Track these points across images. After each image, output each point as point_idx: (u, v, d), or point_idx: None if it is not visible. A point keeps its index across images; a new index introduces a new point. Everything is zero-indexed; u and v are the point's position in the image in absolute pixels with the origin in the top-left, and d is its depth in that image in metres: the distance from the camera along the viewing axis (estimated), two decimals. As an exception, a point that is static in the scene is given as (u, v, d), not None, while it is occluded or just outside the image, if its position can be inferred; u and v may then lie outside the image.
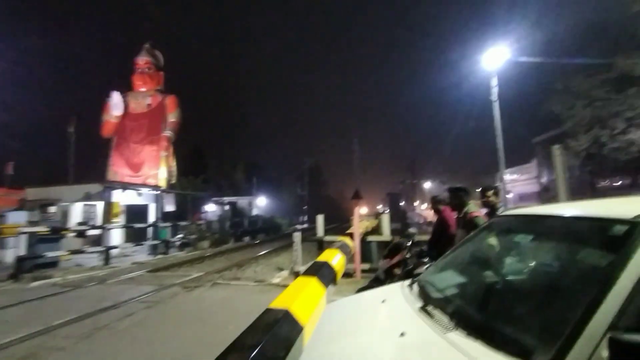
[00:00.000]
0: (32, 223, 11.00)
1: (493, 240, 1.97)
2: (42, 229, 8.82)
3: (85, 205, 15.24)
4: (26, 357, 3.46)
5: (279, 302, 0.93)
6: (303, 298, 1.02)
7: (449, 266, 2.16)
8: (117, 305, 5.32)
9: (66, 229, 10.13)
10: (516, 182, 30.35)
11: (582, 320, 1.01)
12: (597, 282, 1.09)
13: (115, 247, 11.65)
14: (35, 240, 8.37)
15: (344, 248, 2.01)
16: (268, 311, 0.89)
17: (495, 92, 10.61)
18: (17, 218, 11.30)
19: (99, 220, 14.09)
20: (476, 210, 3.31)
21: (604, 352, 0.95)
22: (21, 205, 15.81)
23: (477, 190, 3.76)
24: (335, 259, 1.69)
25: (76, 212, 15.03)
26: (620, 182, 18.55)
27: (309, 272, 1.34)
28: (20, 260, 7.74)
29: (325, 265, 1.53)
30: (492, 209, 3.43)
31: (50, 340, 3.89)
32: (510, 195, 28.64)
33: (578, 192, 18.83)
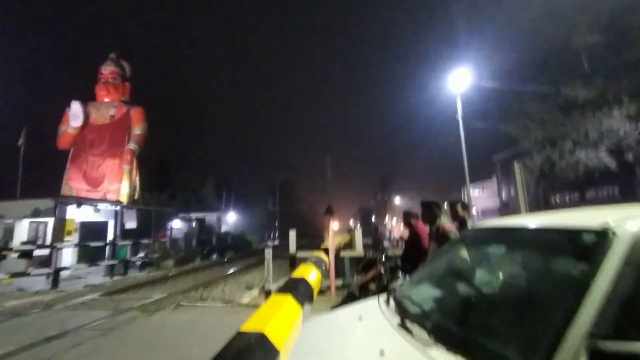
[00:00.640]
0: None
1: (467, 253, 1.98)
2: (-22, 249, 7.84)
3: (32, 222, 13.89)
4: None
5: (252, 324, 0.83)
6: (278, 318, 0.92)
7: (424, 280, 2.14)
8: (64, 334, 4.75)
9: (7, 249, 9.08)
10: (479, 197, 32.02)
11: (560, 331, 1.00)
12: (572, 292, 1.09)
13: (66, 269, 10.61)
14: (-32, 262, 7.41)
15: (319, 263, 1.93)
16: (240, 335, 0.79)
17: (460, 112, 11.25)
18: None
19: (48, 239, 12.85)
20: (448, 223, 3.37)
21: (584, 360, 0.94)
22: (-45, 223, 14.08)
23: (445, 204, 3.86)
24: (311, 274, 1.60)
25: (21, 230, 13.63)
26: (569, 198, 20.15)
27: (284, 290, 1.24)
28: (-52, 285, 6.78)
29: (302, 282, 1.44)
30: (461, 223, 3.52)
31: (-22, 379, 3.36)
32: (473, 211, 30.08)
33: (533, 207, 20.17)
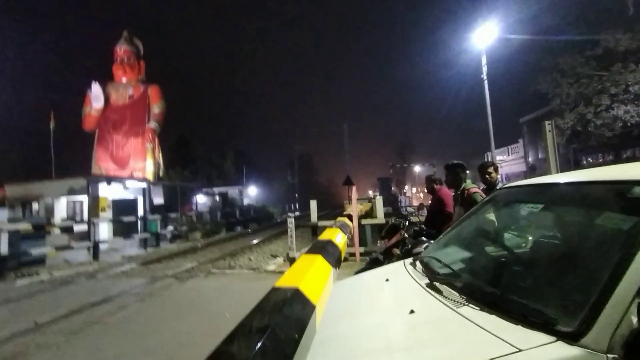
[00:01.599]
0: (13, 220, 10.60)
1: (498, 213, 1.91)
2: (24, 225, 8.49)
3: (69, 200, 14.80)
4: (14, 355, 3.33)
5: (286, 280, 0.83)
6: (311, 275, 0.92)
7: (452, 242, 2.09)
8: (108, 300, 5.18)
9: (50, 225, 9.78)
10: (504, 162, 30.86)
11: (608, 286, 0.95)
12: (621, 247, 1.02)
13: (103, 242, 11.37)
14: (18, 237, 8.05)
15: (344, 227, 1.92)
16: (276, 290, 0.79)
17: (485, 70, 10.55)
18: (-2, 216, 10.87)
19: (85, 216, 13.72)
20: (474, 186, 3.26)
21: (634, 318, 0.89)
22: (1, 203, 15.23)
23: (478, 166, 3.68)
24: (337, 237, 1.60)
25: (60, 208, 14.59)
26: (601, 159, 19.03)
27: (312, 250, 1.24)
28: (2, 259, 7.45)
29: (329, 243, 1.44)
30: (491, 186, 3.40)
31: (39, 338, 3.74)
32: (498, 175, 29.12)
33: (564, 169, 19.26)
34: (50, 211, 14.09)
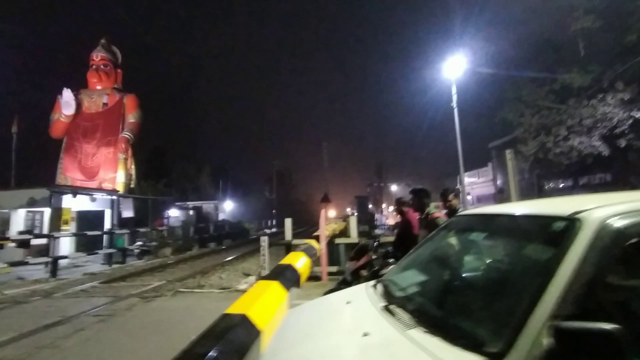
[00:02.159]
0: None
1: (451, 239, 2.06)
2: (-25, 239, 7.88)
3: (28, 212, 13.87)
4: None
5: (236, 307, 0.90)
6: (262, 302, 0.99)
7: (411, 265, 2.22)
8: (64, 321, 4.87)
9: (4, 239, 9.12)
10: (474, 184, 32.28)
11: (526, 311, 1.08)
12: (540, 275, 1.17)
13: (64, 257, 10.70)
14: (-34, 252, 7.45)
15: (309, 250, 2.00)
16: (224, 317, 0.85)
17: (454, 99, 11.23)
18: (-55, 228, 10.01)
19: (45, 229, 12.88)
20: (437, 211, 3.45)
21: (545, 340, 1.02)
22: (-50, 213, 14.03)
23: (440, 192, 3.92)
24: (299, 261, 1.67)
25: (18, 220, 13.63)
26: (562, 184, 20.41)
27: (270, 276, 1.31)
28: (-53, 275, 6.84)
29: (289, 268, 1.51)
30: (452, 211, 3.61)
31: (-18, 364, 3.46)
32: (469, 197, 30.39)
33: (527, 194, 20.42)
34: (5, 223, 13.13)
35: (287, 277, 1.40)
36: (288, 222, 8.04)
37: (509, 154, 5.98)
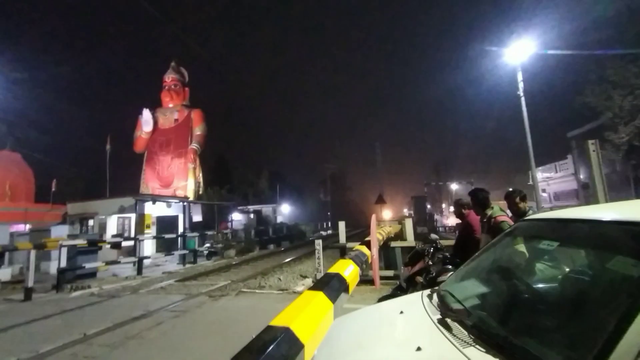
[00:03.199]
0: (72, 236, 11.75)
1: (517, 247, 1.85)
2: (80, 241, 9.39)
3: (119, 217, 16.12)
4: (64, 365, 3.67)
5: (280, 320, 0.92)
6: (307, 314, 0.99)
7: (470, 274, 2.05)
8: (148, 315, 5.53)
9: (102, 241, 10.72)
10: (551, 180, 28.66)
11: (613, 337, 0.92)
12: (630, 294, 0.99)
13: (147, 257, 12.18)
14: (74, 252, 8.92)
15: (358, 257, 1.97)
16: (268, 329, 0.88)
17: (521, 86, 10.13)
18: (60, 232, 12.11)
19: (132, 232, 14.83)
20: (502, 214, 3.13)
21: (640, 374, 0.85)
22: (63, 220, 17.00)
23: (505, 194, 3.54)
24: (347, 269, 1.66)
25: (112, 225, 15.92)
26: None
27: (316, 287, 1.31)
28: (61, 271, 8.27)
29: (336, 277, 1.51)
30: (520, 215, 3.24)
31: (86, 349, 4.09)
32: (544, 194, 27.07)
33: (620, 189, 17.45)
34: (103, 228, 15.44)
35: (333, 287, 1.39)
36: (342, 225, 8.06)
37: (592, 144, 5.16)
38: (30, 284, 7.27)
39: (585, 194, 22.49)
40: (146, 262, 12.01)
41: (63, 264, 8.40)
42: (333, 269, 1.61)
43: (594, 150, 5.12)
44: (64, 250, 8.49)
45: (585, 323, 1.06)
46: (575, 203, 23.88)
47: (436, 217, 32.79)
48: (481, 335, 1.29)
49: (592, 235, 1.35)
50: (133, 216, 15.11)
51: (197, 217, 20.29)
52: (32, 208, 23.27)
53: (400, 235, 8.12)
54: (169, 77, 27.45)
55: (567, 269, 1.47)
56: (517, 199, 3.13)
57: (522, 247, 1.87)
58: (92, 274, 9.83)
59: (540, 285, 1.55)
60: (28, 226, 18.87)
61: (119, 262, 10.50)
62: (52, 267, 10.01)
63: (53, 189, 23.26)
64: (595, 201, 5.17)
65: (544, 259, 1.68)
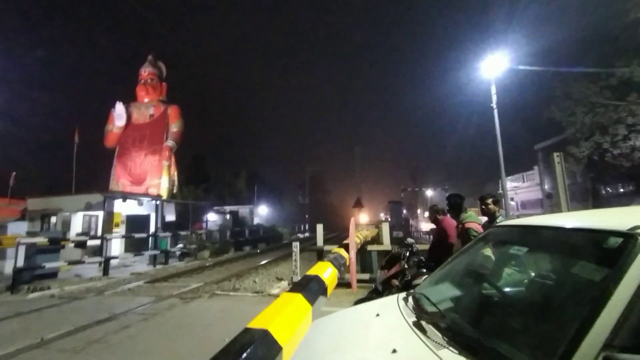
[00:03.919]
0: (31, 234, 10.98)
1: (488, 252, 1.93)
2: (40, 239, 8.79)
3: (85, 215, 15.26)
4: (18, 372, 3.40)
5: (258, 322, 0.90)
6: (285, 316, 0.98)
7: (444, 278, 2.11)
8: (113, 318, 5.25)
9: (65, 240, 10.09)
10: (519, 189, 30.20)
11: (576, 338, 0.97)
12: (591, 298, 1.05)
13: (114, 258, 11.59)
14: (34, 251, 8.34)
15: (336, 260, 1.97)
16: (246, 331, 0.85)
17: (494, 99, 10.63)
18: (18, 229, 11.29)
19: (99, 231, 14.09)
20: (473, 219, 3.26)
21: (599, 374, 0.90)
22: (22, 216, 15.85)
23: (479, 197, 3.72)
24: (326, 272, 1.65)
25: (77, 222, 15.04)
26: (622, 189, 18.39)
27: (294, 288, 1.30)
28: (18, 271, 7.70)
29: (315, 279, 1.50)
30: (491, 218, 3.39)
31: (42, 355, 3.82)
32: (512, 203, 28.45)
33: (580, 199, 18.68)
34: (67, 225, 14.55)
35: (312, 289, 1.39)
36: (320, 227, 8.06)
37: (557, 156, 5.50)
38: (-19, 284, 6.71)
39: (549, 203, 23.87)
40: (114, 262, 11.43)
41: (20, 263, 7.83)
42: (312, 271, 1.60)
43: (558, 163, 5.46)
44: (22, 249, 7.92)
45: (551, 325, 1.12)
46: (540, 211, 25.29)
47: (412, 222, 33.57)
48: (454, 337, 1.33)
49: (558, 242, 1.43)
50: (101, 214, 14.36)
51: (171, 217, 19.59)
52: (-13, 203, 21.55)
53: (376, 239, 8.23)
54: (146, 71, 26.44)
55: (535, 274, 1.55)
56: (489, 201, 3.27)
57: (493, 252, 1.95)
58: (54, 275, 9.22)
59: (510, 289, 1.62)
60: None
61: (83, 262, 9.93)
62: (8, 267, 9.30)
63: (11, 183, 21.67)
64: (559, 210, 5.49)
65: (514, 263, 1.76)
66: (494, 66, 10.58)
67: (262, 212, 36.42)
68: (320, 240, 7.92)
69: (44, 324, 4.98)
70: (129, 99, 26.28)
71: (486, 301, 1.57)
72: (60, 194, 16.70)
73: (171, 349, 3.91)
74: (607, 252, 1.14)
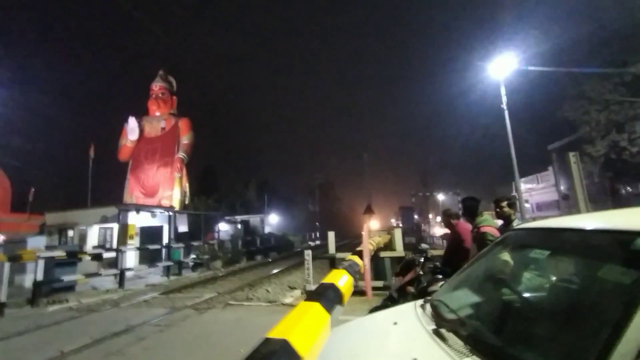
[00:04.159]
0: (50, 248, 11.25)
1: (508, 257, 1.88)
2: (59, 253, 9.00)
3: (101, 228, 15.58)
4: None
5: (277, 332, 0.89)
6: (304, 326, 0.97)
7: (462, 284, 2.06)
8: (130, 330, 5.30)
9: (82, 253, 10.30)
10: (533, 190, 29.50)
11: (607, 345, 0.93)
12: (622, 302, 1.00)
13: (130, 269, 11.75)
14: (52, 264, 8.52)
15: (351, 268, 1.95)
16: (266, 341, 0.85)
17: (504, 100, 10.49)
18: (37, 243, 11.58)
19: (114, 243, 14.33)
20: (489, 222, 3.19)
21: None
22: (41, 230, 16.29)
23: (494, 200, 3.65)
24: (341, 280, 1.63)
25: (93, 235, 15.36)
26: (643, 187, 17.76)
27: (312, 297, 1.29)
28: (37, 284, 7.87)
29: (331, 288, 1.48)
30: (506, 221, 3.32)
31: (62, 367, 3.87)
32: (527, 205, 27.79)
33: (598, 200, 18.10)
34: (83, 239, 14.87)
35: (329, 297, 1.37)
36: (331, 235, 8.02)
37: (572, 156, 5.36)
38: (2, 299, 6.88)
39: (566, 205, 23.22)
40: (129, 274, 11.58)
41: (40, 277, 8.01)
42: (327, 279, 1.58)
43: (574, 162, 5.31)
44: (41, 263, 8.10)
45: (579, 332, 1.08)
46: (556, 213, 24.58)
47: (424, 227, 33.10)
48: (477, 346, 1.29)
49: (581, 244, 1.38)
50: (116, 226, 14.63)
51: (183, 228, 19.83)
52: (8, 218, 22.25)
53: (389, 246, 8.13)
54: (157, 86, 27.18)
55: (558, 278, 1.50)
56: (505, 203, 3.20)
57: (512, 257, 1.90)
58: (71, 287, 9.39)
59: (533, 294, 1.57)
60: (2, 237, 17.99)
61: (99, 275, 10.10)
62: (28, 281, 9.52)
63: (30, 199, 22.35)
64: (577, 211, 5.33)
65: (535, 268, 1.71)
66: (503, 67, 10.47)
67: (273, 221, 36.49)
68: (332, 248, 7.87)
69: (63, 337, 5.06)
70: (141, 113, 26.98)
71: (508, 307, 1.52)
72: (76, 207, 17.13)
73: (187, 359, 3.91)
74: (636, 253, 1.09)
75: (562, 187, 26.18)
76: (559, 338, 1.14)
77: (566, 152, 5.70)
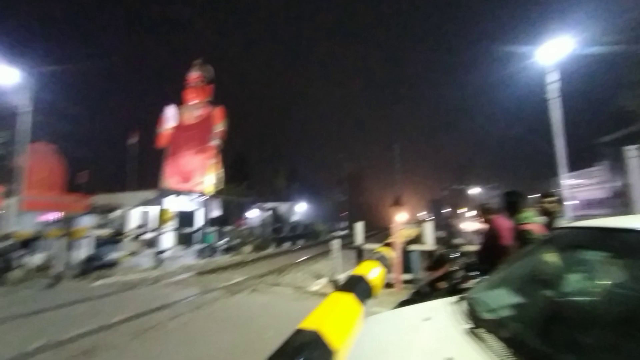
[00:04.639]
0: (97, 227, 12.21)
1: (553, 256, 1.73)
2: (106, 232, 9.75)
3: (142, 210, 16.65)
4: (85, 352, 3.79)
5: (310, 322, 0.87)
6: (337, 317, 0.94)
7: (503, 283, 1.94)
8: (167, 306, 5.65)
9: (125, 233, 11.09)
10: (581, 187, 27.33)
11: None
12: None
13: (166, 250, 12.49)
14: (99, 242, 9.27)
15: (383, 260, 1.90)
16: (298, 332, 0.83)
17: (554, 88, 9.67)
18: (86, 222, 12.61)
19: (153, 225, 15.28)
20: (531, 219, 2.98)
21: None
22: (90, 211, 17.72)
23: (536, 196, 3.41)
24: (374, 271, 1.59)
25: (134, 217, 16.47)
26: None
27: (345, 288, 1.26)
28: (86, 260, 8.60)
29: (364, 279, 1.45)
30: (551, 218, 3.08)
31: (107, 337, 4.22)
32: (576, 202, 25.82)
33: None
34: (125, 220, 15.99)
35: (362, 289, 1.34)
36: (359, 226, 7.95)
37: (631, 150, 4.86)
38: (61, 268, 7.60)
39: (619, 202, 21.29)
40: (166, 254, 12.32)
41: (88, 253, 8.73)
42: (359, 271, 1.54)
43: (634, 157, 4.81)
44: (90, 240, 8.83)
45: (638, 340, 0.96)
46: (608, 211, 22.64)
47: (455, 221, 32.00)
48: (520, 350, 1.20)
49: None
50: (153, 209, 15.56)
51: (216, 213, 20.66)
52: (63, 198, 24.42)
53: (418, 239, 7.92)
54: (194, 75, 28.08)
55: (613, 282, 1.35)
56: (551, 199, 2.99)
57: (560, 257, 1.74)
58: (114, 264, 10.18)
59: (583, 298, 1.43)
60: (57, 215, 19.79)
61: (139, 254, 10.83)
62: (76, 256, 10.45)
63: (83, 180, 24.28)
64: (632, 210, 4.85)
65: (586, 270, 1.55)
66: (554, 51, 9.61)
67: (301, 209, 36.96)
68: (360, 238, 7.82)
69: (109, 309, 5.51)
70: (179, 101, 28.11)
71: (555, 311, 1.40)
72: (120, 190, 18.39)
73: (218, 338, 4.11)
74: None
75: (615, 184, 23.98)
76: (617, 348, 1.02)
77: (621, 146, 5.17)
